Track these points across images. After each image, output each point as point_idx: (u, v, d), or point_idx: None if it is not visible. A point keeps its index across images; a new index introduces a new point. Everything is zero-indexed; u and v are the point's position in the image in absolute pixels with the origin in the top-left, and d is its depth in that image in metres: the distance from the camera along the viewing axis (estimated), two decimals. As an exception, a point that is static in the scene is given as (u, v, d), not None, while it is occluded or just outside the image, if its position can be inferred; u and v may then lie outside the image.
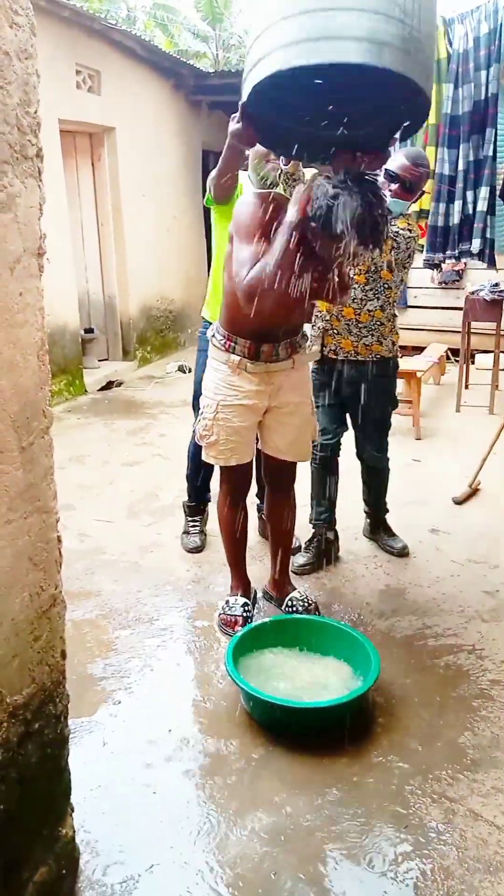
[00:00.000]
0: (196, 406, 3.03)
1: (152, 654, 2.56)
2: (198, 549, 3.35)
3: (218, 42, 13.27)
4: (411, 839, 1.80)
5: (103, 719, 2.23)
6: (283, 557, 2.82)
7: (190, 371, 7.22)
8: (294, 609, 2.72)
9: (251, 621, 2.67)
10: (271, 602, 2.86)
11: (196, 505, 3.45)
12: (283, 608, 2.77)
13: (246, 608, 2.72)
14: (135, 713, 2.26)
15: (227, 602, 2.76)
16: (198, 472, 3.34)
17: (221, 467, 2.68)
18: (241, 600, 2.75)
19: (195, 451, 3.04)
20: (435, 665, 2.49)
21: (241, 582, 2.81)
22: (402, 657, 2.53)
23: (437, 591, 2.98)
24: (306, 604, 2.74)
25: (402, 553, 3.30)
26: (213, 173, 2.83)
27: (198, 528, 3.44)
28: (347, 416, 3.14)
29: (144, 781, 1.99)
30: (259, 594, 2.90)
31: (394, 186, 2.82)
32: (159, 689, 2.39)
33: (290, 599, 2.76)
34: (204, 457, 2.66)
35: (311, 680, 2.32)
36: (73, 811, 1.63)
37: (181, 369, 7.22)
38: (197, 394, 3.00)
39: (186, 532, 3.43)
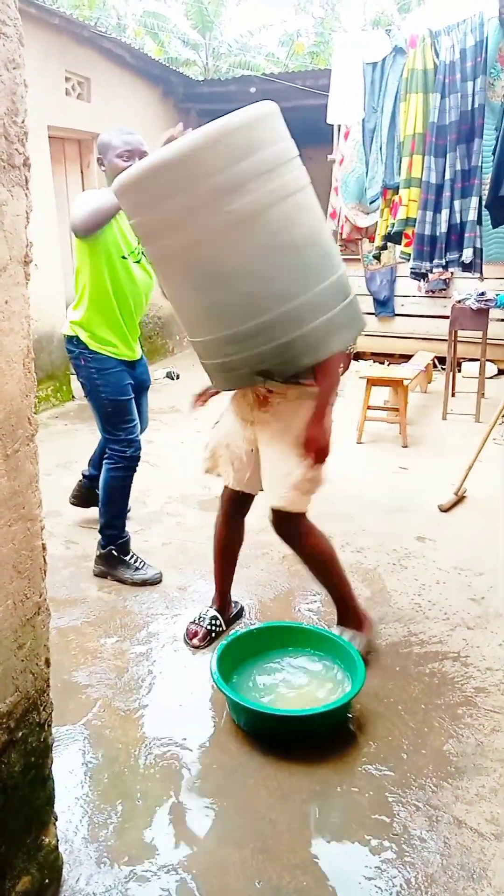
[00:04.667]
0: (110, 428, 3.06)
1: (138, 662, 2.56)
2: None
3: (208, 50, 13.33)
4: (395, 847, 1.80)
5: (88, 727, 2.22)
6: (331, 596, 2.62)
7: (178, 378, 7.24)
8: None
9: (216, 637, 2.65)
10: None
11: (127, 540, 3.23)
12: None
13: (214, 621, 2.70)
14: (119, 721, 2.25)
15: (200, 613, 2.74)
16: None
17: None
18: (212, 613, 2.72)
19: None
20: (420, 672, 2.50)
21: (218, 596, 2.76)
22: (387, 665, 2.54)
23: (423, 599, 3.00)
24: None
25: None
26: (103, 206, 2.68)
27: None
28: None
29: (128, 790, 1.98)
30: (243, 611, 2.85)
31: None
32: (144, 696, 2.38)
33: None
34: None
35: (296, 687, 2.32)
36: (56, 820, 1.62)
37: (169, 376, 7.23)
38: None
39: (138, 568, 3.16)
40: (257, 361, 2.08)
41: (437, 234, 5.31)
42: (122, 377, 3.04)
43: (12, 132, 1.23)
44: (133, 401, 3.12)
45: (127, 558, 3.15)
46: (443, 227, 5.32)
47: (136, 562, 3.16)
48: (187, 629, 2.70)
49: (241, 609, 2.86)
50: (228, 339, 2.08)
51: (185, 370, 7.59)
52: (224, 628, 2.72)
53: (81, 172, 6.82)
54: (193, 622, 2.72)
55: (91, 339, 2.98)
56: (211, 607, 2.76)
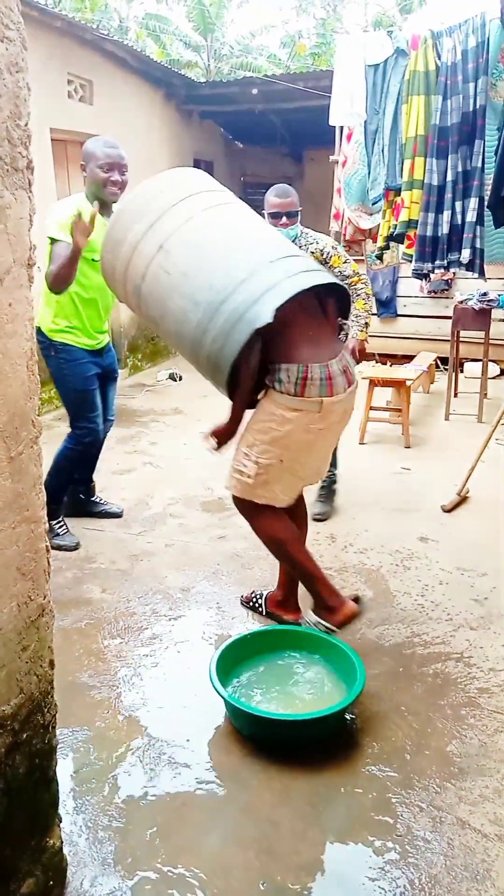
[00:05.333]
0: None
1: (141, 664, 2.56)
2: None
3: (209, 52, 13.34)
4: (399, 848, 1.80)
5: (92, 729, 2.23)
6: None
7: (181, 379, 7.24)
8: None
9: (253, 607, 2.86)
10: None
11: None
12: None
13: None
14: (123, 723, 2.26)
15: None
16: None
17: None
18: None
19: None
20: (423, 673, 2.50)
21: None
22: (390, 666, 2.54)
23: (426, 600, 2.99)
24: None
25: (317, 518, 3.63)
26: (65, 266, 2.97)
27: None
28: None
29: (133, 791, 1.98)
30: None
31: (281, 221, 3.28)
32: (148, 698, 2.39)
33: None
34: None
35: (296, 691, 2.32)
36: (60, 822, 1.62)
37: (172, 377, 7.23)
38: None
39: (58, 534, 3.41)
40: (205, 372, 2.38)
41: (439, 234, 5.31)
42: (88, 368, 3.31)
43: (15, 135, 1.23)
44: (97, 392, 3.37)
45: (52, 522, 3.37)
46: (444, 229, 5.32)
47: (59, 528, 3.42)
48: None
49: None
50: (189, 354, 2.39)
51: (188, 371, 7.59)
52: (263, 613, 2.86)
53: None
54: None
55: (56, 332, 3.21)
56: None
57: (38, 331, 3.19)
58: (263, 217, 2.97)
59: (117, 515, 3.79)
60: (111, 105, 6.72)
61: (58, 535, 3.39)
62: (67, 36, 5.92)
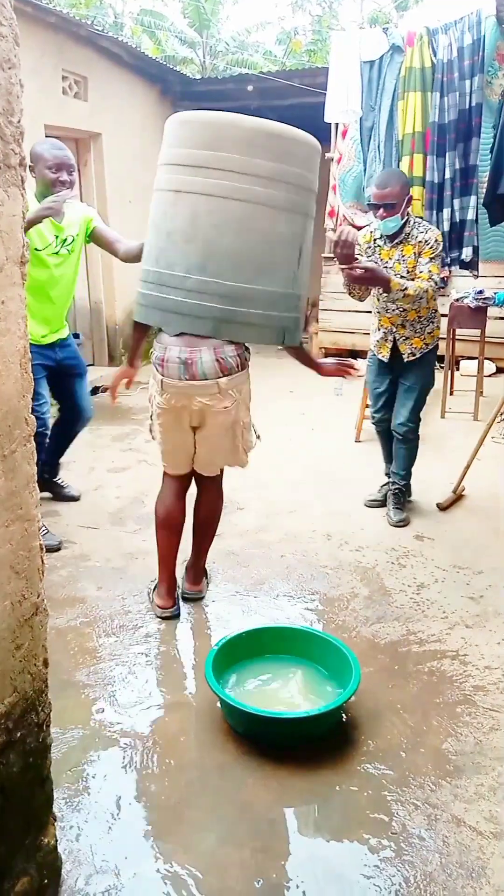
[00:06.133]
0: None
1: (136, 662, 2.56)
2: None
3: (205, 48, 13.31)
4: (394, 846, 1.80)
5: (86, 728, 2.22)
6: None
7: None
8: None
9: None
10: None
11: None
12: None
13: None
14: (118, 721, 2.25)
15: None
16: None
17: None
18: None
19: None
20: (419, 671, 2.50)
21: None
22: (386, 663, 2.54)
23: (422, 597, 3.00)
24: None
25: (398, 524, 3.64)
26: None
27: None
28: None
29: (127, 790, 1.98)
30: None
31: (378, 212, 3.37)
32: (143, 696, 2.38)
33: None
34: None
35: (291, 689, 2.32)
36: (55, 820, 1.62)
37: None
38: None
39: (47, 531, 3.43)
40: (205, 312, 2.36)
41: (443, 232, 5.32)
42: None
43: (8, 132, 1.22)
44: (42, 381, 3.38)
45: None
46: (446, 227, 5.33)
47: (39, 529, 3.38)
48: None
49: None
50: (194, 283, 2.35)
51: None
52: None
53: (79, 171, 6.79)
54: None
55: None
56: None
57: None
58: None
59: (74, 499, 3.95)
60: (106, 101, 6.70)
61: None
62: (62, 32, 5.90)
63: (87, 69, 6.37)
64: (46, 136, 5.89)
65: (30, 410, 1.36)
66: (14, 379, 1.30)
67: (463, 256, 5.29)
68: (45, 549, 3.26)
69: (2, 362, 1.26)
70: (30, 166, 3.21)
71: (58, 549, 3.37)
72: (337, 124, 6.18)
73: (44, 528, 3.41)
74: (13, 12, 1.21)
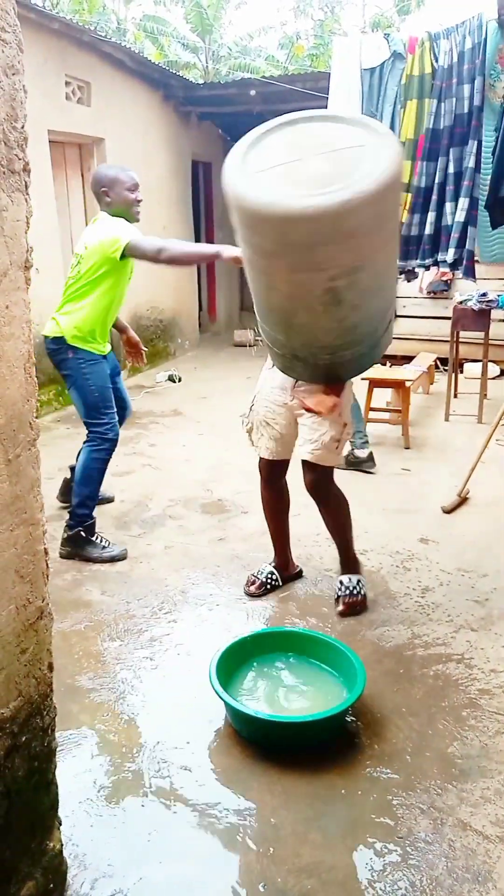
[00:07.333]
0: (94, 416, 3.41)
1: (141, 666, 2.56)
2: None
3: (207, 53, 13.36)
4: (400, 850, 1.80)
5: (91, 731, 2.22)
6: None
7: (180, 380, 7.24)
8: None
9: (271, 590, 3.02)
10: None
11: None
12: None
13: (271, 576, 3.06)
14: (123, 725, 2.25)
15: (260, 567, 3.10)
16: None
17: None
18: (269, 568, 3.08)
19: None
20: (424, 675, 2.49)
21: (277, 555, 3.12)
22: (391, 667, 2.54)
23: (426, 601, 2.99)
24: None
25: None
26: (179, 252, 3.20)
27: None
28: None
29: (132, 794, 1.98)
30: (301, 574, 3.16)
31: None
32: (147, 701, 2.38)
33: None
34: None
35: (296, 693, 2.32)
36: (60, 824, 1.62)
37: (171, 379, 7.23)
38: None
39: (105, 547, 3.40)
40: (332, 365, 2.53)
41: (423, 234, 5.35)
42: (105, 367, 3.43)
43: (12, 138, 1.23)
44: (111, 389, 3.49)
45: (94, 539, 3.40)
46: (427, 229, 5.34)
47: (101, 541, 3.42)
48: (247, 578, 3.07)
49: (300, 572, 3.19)
50: (322, 346, 2.45)
51: (187, 373, 7.60)
52: (280, 584, 3.07)
53: (82, 176, 6.82)
54: (253, 574, 3.08)
55: (78, 339, 3.31)
56: (270, 563, 3.10)
57: (61, 339, 3.31)
58: None
59: (109, 500, 4.02)
60: (109, 107, 6.72)
61: (105, 547, 3.39)
62: (65, 38, 5.92)
63: (90, 75, 6.40)
64: (51, 142, 5.93)
65: (34, 415, 1.37)
66: (18, 383, 1.30)
67: (447, 258, 5.29)
68: (116, 559, 3.33)
69: (6, 366, 1.26)
70: (103, 190, 3.32)
71: (124, 559, 3.37)
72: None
73: (106, 540, 3.45)
74: (17, 19, 1.22)
